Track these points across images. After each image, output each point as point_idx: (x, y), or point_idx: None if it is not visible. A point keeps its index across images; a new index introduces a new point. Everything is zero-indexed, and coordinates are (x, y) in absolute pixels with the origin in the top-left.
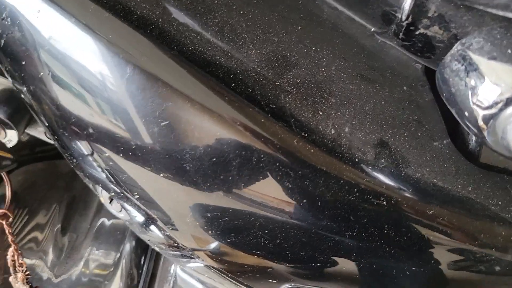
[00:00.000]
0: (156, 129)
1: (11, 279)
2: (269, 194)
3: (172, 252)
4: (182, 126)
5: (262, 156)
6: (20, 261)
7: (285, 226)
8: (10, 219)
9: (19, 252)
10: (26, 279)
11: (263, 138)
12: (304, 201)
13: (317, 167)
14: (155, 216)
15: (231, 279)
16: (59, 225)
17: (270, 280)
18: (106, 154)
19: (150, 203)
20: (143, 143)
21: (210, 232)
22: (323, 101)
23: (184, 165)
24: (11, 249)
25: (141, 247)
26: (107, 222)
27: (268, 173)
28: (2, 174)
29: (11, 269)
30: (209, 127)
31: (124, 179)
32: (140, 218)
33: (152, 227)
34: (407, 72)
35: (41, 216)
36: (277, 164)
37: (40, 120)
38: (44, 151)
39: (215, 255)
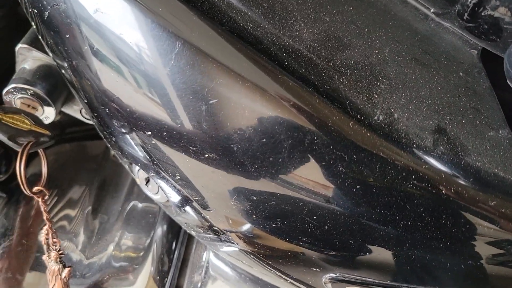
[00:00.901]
0: (204, 107)
1: (44, 257)
2: (320, 178)
3: (207, 235)
4: (232, 105)
5: (315, 138)
6: (54, 240)
7: (335, 213)
8: (46, 197)
9: (54, 230)
10: (60, 258)
11: (317, 120)
12: (358, 187)
13: (373, 152)
14: (194, 198)
15: (268, 266)
16: (90, 207)
17: (314, 269)
18: (149, 133)
19: (191, 184)
20: (189, 122)
21: (254, 216)
22: (378, 83)
23: (232, 145)
24: (45, 227)
25: (173, 232)
26: (139, 206)
27: (321, 157)
28: (39, 150)
29: (45, 248)
30: (260, 106)
31: (166, 159)
32: (176, 199)
33: (189, 209)
34: (462, 58)
35: (71, 197)
36: (331, 147)
37: (79, 96)
38: (73, 132)
39: (254, 240)
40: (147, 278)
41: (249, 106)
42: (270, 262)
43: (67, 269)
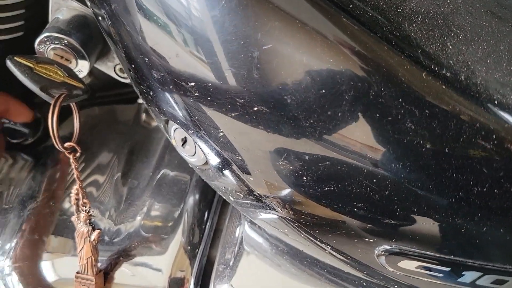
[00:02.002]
0: (256, 53)
1: (73, 218)
2: (385, 135)
3: (246, 201)
4: (288, 51)
5: (382, 89)
6: (84, 201)
7: (399, 175)
8: (78, 154)
9: (84, 190)
10: (89, 219)
11: (385, 69)
12: (428, 146)
13: (448, 107)
14: (237, 158)
15: (311, 236)
16: (120, 172)
17: (367, 239)
18: (192, 84)
19: (233, 144)
20: (238, 70)
21: (304, 178)
22: (452, 34)
23: (285, 97)
24: (75, 187)
25: (205, 202)
26: (170, 174)
27: (388, 111)
28: (71, 105)
29: (74, 208)
30: (320, 53)
31: (208, 114)
32: (215, 161)
33: (228, 172)
34: None
35: (100, 161)
36: (400, 100)
37: (116, 47)
38: (103, 96)
39: (300, 206)
40: (177, 248)
41: (308, 52)
42: (314, 231)
43: (96, 232)
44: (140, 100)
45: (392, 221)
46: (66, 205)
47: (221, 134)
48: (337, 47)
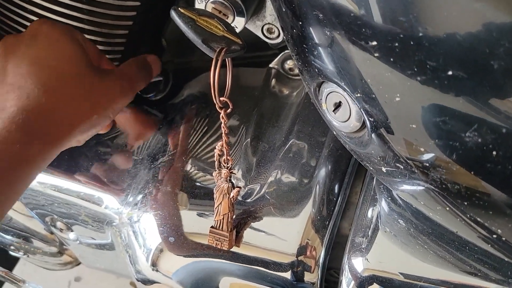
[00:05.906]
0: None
1: (214, 174)
2: None
3: (399, 171)
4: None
5: None
6: (228, 157)
7: None
8: (229, 110)
9: (228, 147)
10: (230, 176)
11: None
12: None
13: None
14: (406, 127)
15: (471, 218)
16: (250, 136)
17: None
18: (373, 43)
19: (411, 109)
20: (435, 29)
21: (494, 153)
22: None
23: (491, 62)
24: (220, 143)
25: (337, 173)
26: (301, 141)
27: None
28: (226, 60)
29: (216, 164)
30: None
31: (387, 77)
32: (375, 128)
33: (387, 140)
34: None
35: (232, 122)
36: None
37: (280, 4)
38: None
39: (475, 185)
40: (307, 217)
41: None
42: (480, 214)
43: (236, 189)
44: (272, 65)
45: None
46: (199, 161)
47: (397, 99)
48: None
